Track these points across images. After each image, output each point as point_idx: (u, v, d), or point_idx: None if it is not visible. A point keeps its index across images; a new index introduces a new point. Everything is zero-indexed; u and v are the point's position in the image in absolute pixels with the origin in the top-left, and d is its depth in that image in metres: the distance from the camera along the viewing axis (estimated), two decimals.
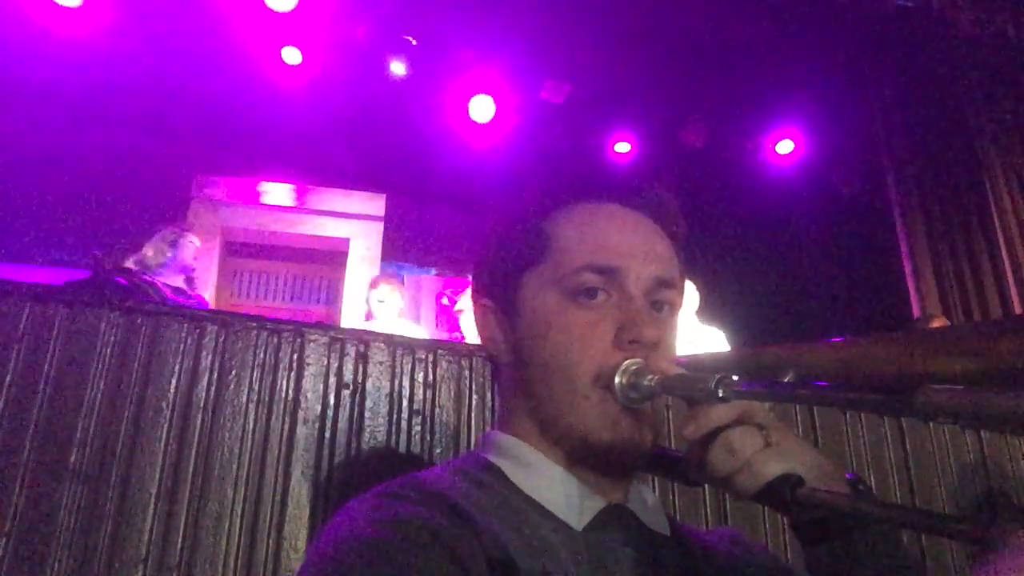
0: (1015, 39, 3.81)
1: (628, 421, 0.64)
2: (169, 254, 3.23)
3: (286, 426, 1.09)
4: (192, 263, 3.35)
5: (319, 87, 4.55)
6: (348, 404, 1.14)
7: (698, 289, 2.95)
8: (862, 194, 5.05)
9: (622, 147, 5.28)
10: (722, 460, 0.58)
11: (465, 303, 3.65)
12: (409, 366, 1.19)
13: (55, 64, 4.24)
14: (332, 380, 1.14)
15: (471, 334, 3.16)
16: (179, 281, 3.27)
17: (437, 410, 1.18)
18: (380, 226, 5.44)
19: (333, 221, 5.41)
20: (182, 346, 1.09)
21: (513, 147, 4.97)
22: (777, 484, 0.56)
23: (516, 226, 0.73)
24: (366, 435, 1.13)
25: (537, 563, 0.57)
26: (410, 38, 4.47)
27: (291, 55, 4.40)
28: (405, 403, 1.16)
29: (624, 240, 0.69)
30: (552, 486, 0.65)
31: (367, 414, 1.14)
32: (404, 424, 1.15)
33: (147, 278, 3.09)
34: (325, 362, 1.15)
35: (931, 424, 1.54)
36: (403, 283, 4.96)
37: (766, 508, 1.23)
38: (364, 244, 5.38)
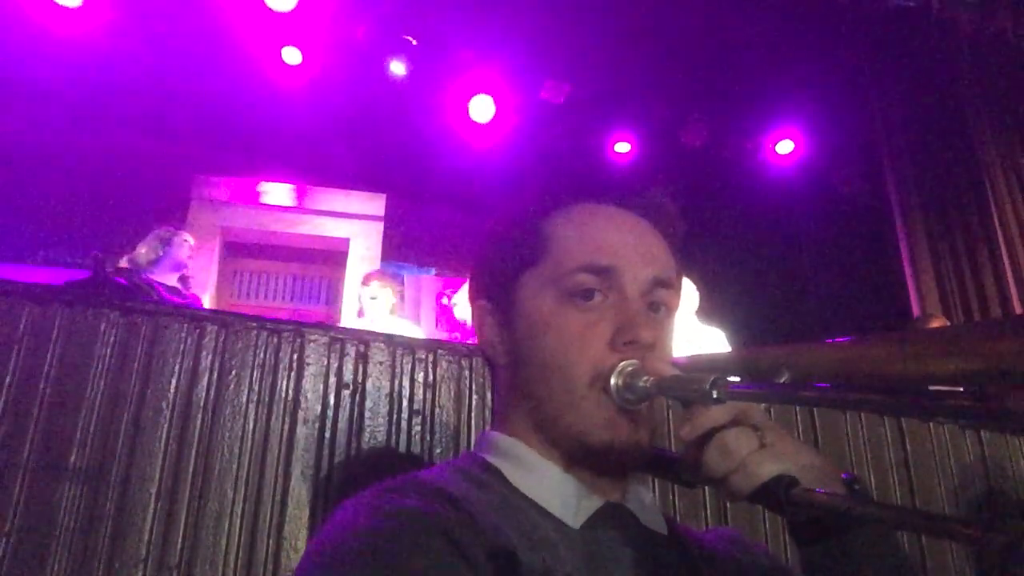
0: (1015, 39, 3.81)
1: (625, 422, 0.64)
2: (161, 252, 3.24)
3: (286, 426, 1.09)
4: (185, 261, 3.35)
5: (319, 87, 4.55)
6: (348, 404, 1.14)
7: (698, 289, 2.94)
8: (862, 194, 5.05)
9: (622, 147, 5.28)
10: (717, 461, 0.58)
11: (459, 298, 3.65)
12: (409, 366, 1.19)
13: (55, 64, 4.24)
14: (332, 380, 1.14)
15: (466, 321, 3.15)
16: (173, 280, 3.29)
17: (437, 410, 1.18)
18: (380, 226, 5.44)
19: (333, 221, 5.41)
20: (182, 346, 1.09)
21: (513, 147, 4.97)
22: (772, 485, 0.56)
23: (514, 227, 0.73)
24: (366, 435, 1.13)
25: (537, 557, 0.57)
26: (410, 38, 4.47)
27: (291, 55, 4.41)
28: (405, 403, 1.17)
29: (621, 241, 0.69)
30: (550, 486, 0.65)
31: (367, 414, 1.14)
32: (404, 424, 1.15)
33: (146, 278, 3.10)
34: (325, 362, 1.15)
35: (931, 424, 1.54)
36: (402, 282, 4.96)
37: (765, 509, 1.23)
38: (364, 244, 5.38)
